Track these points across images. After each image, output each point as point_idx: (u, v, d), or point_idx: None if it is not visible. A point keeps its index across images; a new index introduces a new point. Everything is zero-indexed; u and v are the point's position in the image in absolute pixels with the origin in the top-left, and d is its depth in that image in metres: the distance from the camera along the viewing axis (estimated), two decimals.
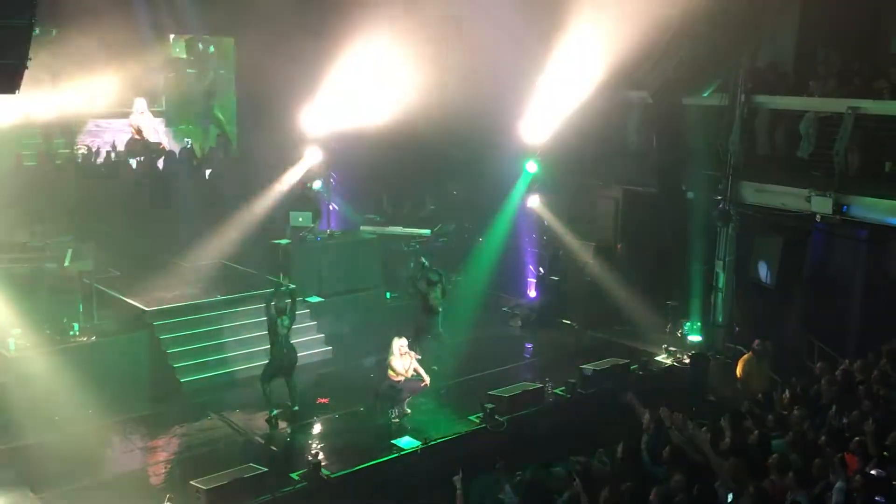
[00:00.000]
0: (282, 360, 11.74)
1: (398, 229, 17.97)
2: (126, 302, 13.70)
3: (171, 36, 19.69)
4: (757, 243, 14.78)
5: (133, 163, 17.62)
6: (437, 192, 19.20)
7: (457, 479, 8.49)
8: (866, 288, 13.91)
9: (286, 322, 11.69)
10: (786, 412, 10.32)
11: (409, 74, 16.47)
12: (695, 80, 14.81)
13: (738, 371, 12.75)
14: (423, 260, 13.96)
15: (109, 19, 16.60)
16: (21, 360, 11.60)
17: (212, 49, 19.66)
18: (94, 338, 12.40)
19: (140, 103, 18.02)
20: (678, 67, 14.56)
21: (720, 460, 8.52)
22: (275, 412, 11.65)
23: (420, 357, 12.11)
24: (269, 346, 11.88)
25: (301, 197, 16.70)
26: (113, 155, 17.73)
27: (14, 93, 8.33)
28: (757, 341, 12.73)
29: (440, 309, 13.34)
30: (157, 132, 18.25)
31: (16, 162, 16.67)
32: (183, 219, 16.29)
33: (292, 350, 11.93)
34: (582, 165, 16.44)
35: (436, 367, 13.12)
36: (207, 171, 18.07)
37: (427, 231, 18.17)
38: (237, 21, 18.36)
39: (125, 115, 18.27)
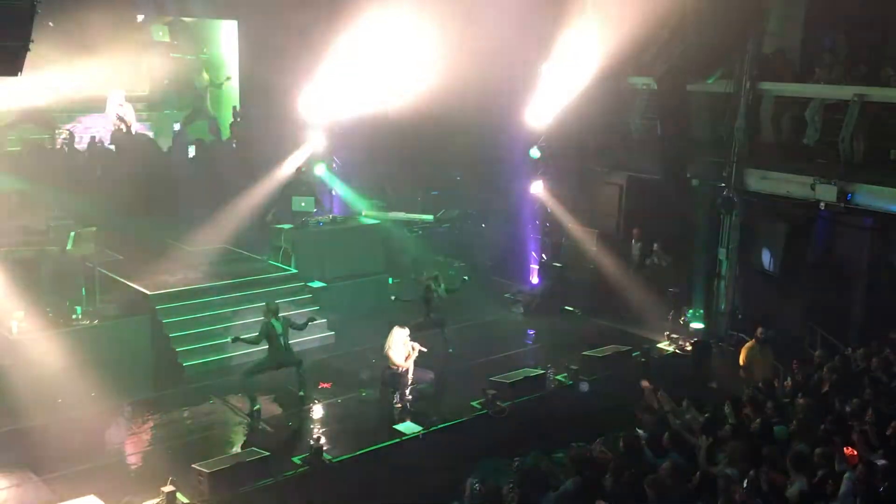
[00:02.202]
0: (275, 359, 11.69)
1: (401, 214, 17.93)
2: (129, 286, 13.71)
3: (140, 17, 19.29)
4: (761, 231, 14.74)
5: (113, 148, 17.56)
6: (440, 178, 19.15)
7: (472, 482, 8.45)
8: (870, 276, 13.88)
9: (280, 323, 11.67)
10: (787, 399, 10.31)
11: (413, 59, 16.40)
12: (700, 67, 14.73)
13: (741, 358, 12.73)
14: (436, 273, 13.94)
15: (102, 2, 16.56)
16: (24, 343, 11.61)
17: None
18: (96, 321, 12.40)
19: (118, 94, 17.92)
20: (683, 54, 14.47)
21: (698, 440, 8.59)
22: (258, 406, 11.60)
23: (426, 350, 12.07)
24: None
25: (297, 181, 16.67)
26: (97, 141, 17.68)
27: (16, 75, 8.28)
28: (760, 329, 12.71)
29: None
30: (132, 123, 18.15)
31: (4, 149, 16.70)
32: (186, 203, 16.27)
33: (290, 349, 11.87)
34: (586, 152, 16.40)
35: (451, 350, 13.25)
36: (191, 149, 17.95)
37: (430, 217, 18.14)
38: (240, 3, 18.29)
39: (103, 100, 18.17)
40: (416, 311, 13.42)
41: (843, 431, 8.91)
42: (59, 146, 17.47)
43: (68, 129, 17.87)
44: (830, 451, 8.16)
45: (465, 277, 13.82)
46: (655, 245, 15.88)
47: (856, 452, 8.39)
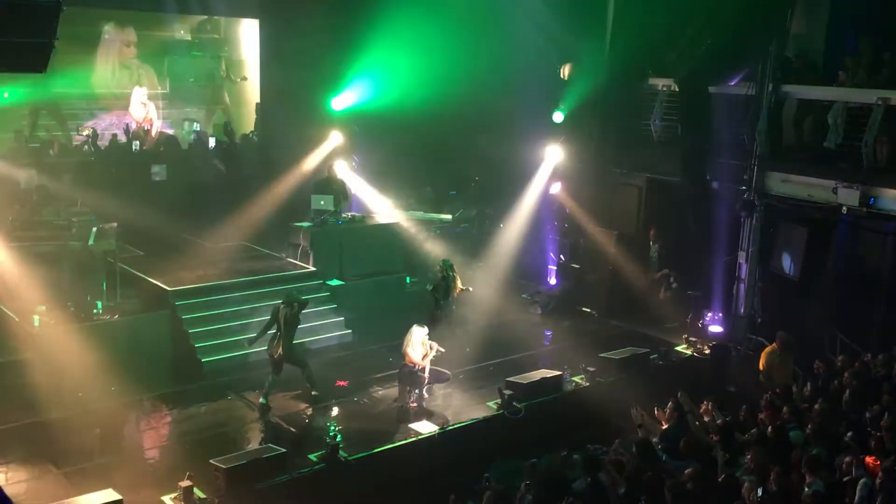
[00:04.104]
0: (276, 341, 11.68)
1: (420, 214, 17.95)
2: (149, 281, 13.81)
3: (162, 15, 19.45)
4: (781, 234, 14.63)
5: (135, 145, 17.74)
6: (459, 178, 19.16)
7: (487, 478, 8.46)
8: (892, 281, 13.74)
9: (288, 313, 11.71)
10: (806, 405, 10.24)
11: (434, 60, 16.42)
12: (722, 69, 14.64)
13: (761, 363, 12.63)
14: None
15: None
16: (45, 337, 11.74)
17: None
18: (116, 316, 12.51)
19: (140, 91, 18.07)
20: (705, 55, 14.39)
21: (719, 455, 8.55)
22: (264, 401, 11.67)
23: (444, 350, 12.09)
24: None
25: (324, 180, 16.72)
26: (119, 138, 17.87)
27: (42, 71, 8.36)
28: (781, 333, 12.61)
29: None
30: (154, 121, 18.31)
31: (19, 144, 16.85)
32: (206, 200, 16.38)
33: (291, 343, 11.83)
34: (606, 153, 16.33)
35: (468, 349, 13.27)
36: (211, 141, 18.10)
37: (448, 216, 18.14)
38: (261, 2, 18.39)
39: (126, 97, 18.33)
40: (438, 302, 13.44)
41: (862, 437, 8.85)
42: (81, 143, 17.64)
43: (92, 127, 18.04)
44: (851, 459, 8.11)
45: (469, 288, 13.90)
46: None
47: (878, 462, 8.32)
